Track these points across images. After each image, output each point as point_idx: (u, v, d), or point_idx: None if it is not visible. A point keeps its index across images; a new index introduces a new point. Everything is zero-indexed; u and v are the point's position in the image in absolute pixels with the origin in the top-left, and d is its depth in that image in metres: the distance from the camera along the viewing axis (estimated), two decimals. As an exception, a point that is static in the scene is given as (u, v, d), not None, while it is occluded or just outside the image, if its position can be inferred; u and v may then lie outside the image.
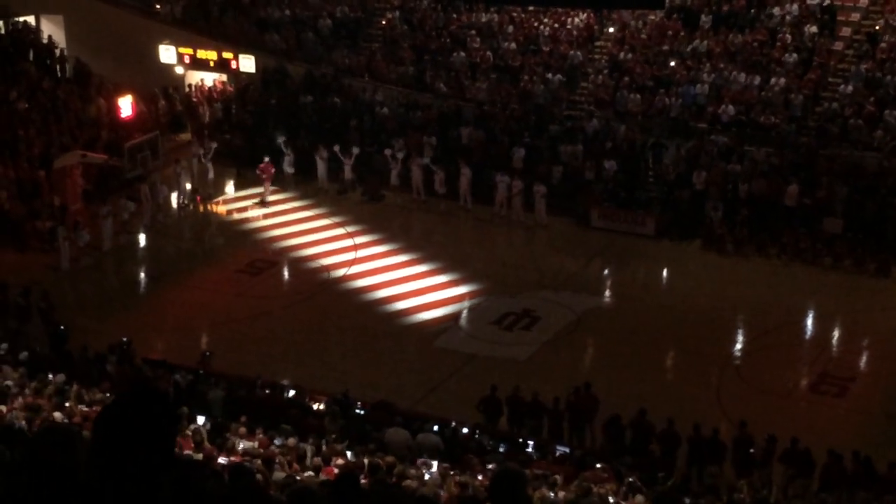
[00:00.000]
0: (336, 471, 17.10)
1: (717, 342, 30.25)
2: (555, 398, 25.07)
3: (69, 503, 4.22)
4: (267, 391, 24.88)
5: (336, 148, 40.05)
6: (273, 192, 39.80)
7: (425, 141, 40.41)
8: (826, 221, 35.08)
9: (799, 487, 23.13)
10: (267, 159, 39.57)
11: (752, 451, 23.51)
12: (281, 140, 40.87)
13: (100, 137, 40.47)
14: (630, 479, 20.22)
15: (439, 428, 23.00)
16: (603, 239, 36.61)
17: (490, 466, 19.88)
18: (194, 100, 45.53)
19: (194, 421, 20.26)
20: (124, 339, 26.88)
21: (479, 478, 18.84)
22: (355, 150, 40.04)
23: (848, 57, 40.32)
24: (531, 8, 44.36)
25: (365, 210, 39.17)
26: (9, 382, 20.62)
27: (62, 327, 28.39)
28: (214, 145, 41.19)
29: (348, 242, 36.55)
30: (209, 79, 46.34)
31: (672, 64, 40.94)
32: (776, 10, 41.65)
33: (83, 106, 42.44)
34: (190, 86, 46.01)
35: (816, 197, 35.72)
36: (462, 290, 33.08)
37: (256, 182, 40.89)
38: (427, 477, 18.33)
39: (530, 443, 23.55)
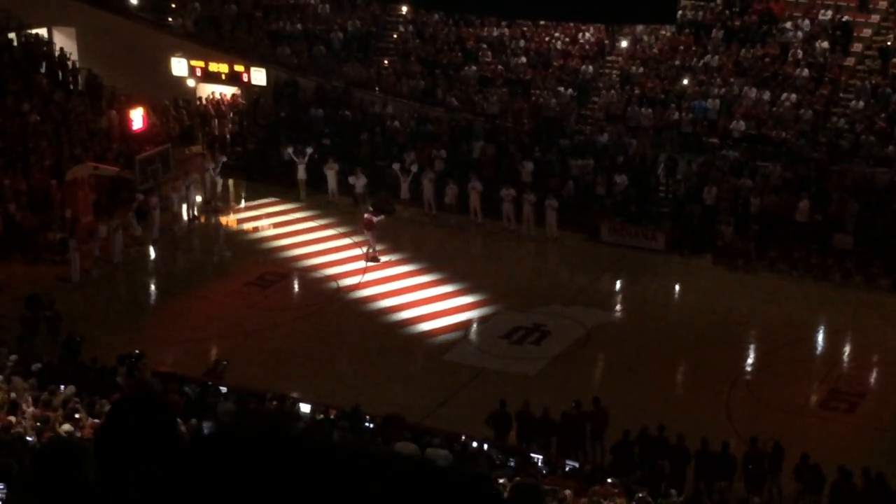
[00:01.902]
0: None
1: (728, 358, 30.17)
2: (563, 413, 25.05)
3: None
4: (275, 403, 24.87)
5: (352, 179, 39.84)
6: (375, 252, 36.18)
7: (435, 155, 40.45)
8: (837, 237, 35.00)
9: (809, 504, 23.10)
10: (371, 209, 36.92)
11: (751, 466, 23.45)
12: (290, 150, 40.91)
13: (111, 149, 40.54)
14: (640, 495, 20.17)
15: (448, 442, 22.95)
16: (613, 254, 36.56)
17: (501, 481, 19.83)
18: (204, 112, 45.62)
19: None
20: (136, 351, 26.86)
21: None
22: (361, 180, 39.86)
23: (859, 73, 40.28)
24: (542, 22, 44.43)
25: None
26: (13, 394, 20.62)
27: (79, 339, 28.35)
28: (224, 159, 41.29)
29: (357, 253, 36.53)
30: (226, 92, 46.32)
31: (685, 82, 40.86)
32: (788, 25, 41.64)
33: (95, 118, 42.55)
34: (200, 98, 46.10)
35: (827, 213, 35.66)
36: (471, 301, 33.05)
37: (267, 194, 41.03)
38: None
39: (539, 458, 23.50)
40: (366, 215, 36.31)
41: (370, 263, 35.63)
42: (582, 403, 25.28)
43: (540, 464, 23.09)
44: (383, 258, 36.08)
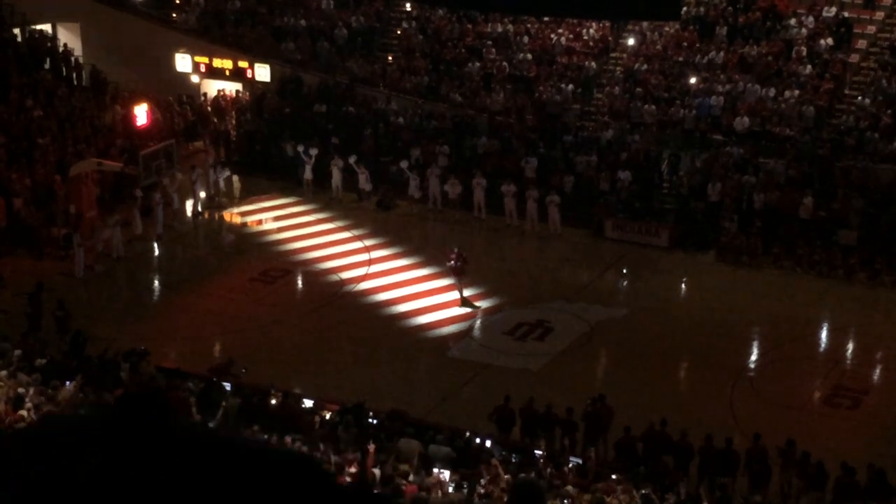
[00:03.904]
0: (349, 480, 17.10)
1: (731, 354, 30.17)
2: (567, 409, 25.01)
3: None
4: (278, 399, 24.84)
5: (352, 160, 40.13)
6: (465, 287, 33.02)
7: (439, 151, 40.48)
8: (841, 234, 35.00)
9: (812, 500, 23.08)
10: (456, 249, 33.13)
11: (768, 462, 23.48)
12: (301, 148, 40.95)
13: (115, 145, 40.57)
14: (644, 491, 20.18)
15: (451, 438, 22.95)
16: (617, 250, 36.56)
17: (505, 477, 19.85)
18: (208, 109, 45.65)
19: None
20: (142, 348, 26.84)
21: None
22: (363, 174, 40.01)
23: (864, 69, 40.26)
24: (546, 18, 44.42)
25: (378, 219, 39.18)
26: (21, 389, 20.65)
27: (85, 336, 28.27)
28: (223, 156, 41.58)
29: (362, 252, 36.56)
30: (231, 88, 46.32)
31: (693, 81, 40.82)
32: (792, 22, 41.63)
33: (99, 114, 42.58)
34: (205, 95, 46.13)
35: (831, 209, 35.66)
36: (475, 297, 33.01)
37: (271, 190, 41.10)
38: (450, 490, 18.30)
39: (543, 454, 23.48)
40: (452, 256, 33.05)
41: (462, 301, 32.67)
42: (598, 400, 25.23)
43: (543, 460, 23.05)
44: (380, 246, 36.15)
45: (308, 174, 40.68)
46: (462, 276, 32.76)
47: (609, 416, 25.05)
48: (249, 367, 27.90)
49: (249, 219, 39.94)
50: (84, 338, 28.04)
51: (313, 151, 40.78)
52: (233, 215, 40.14)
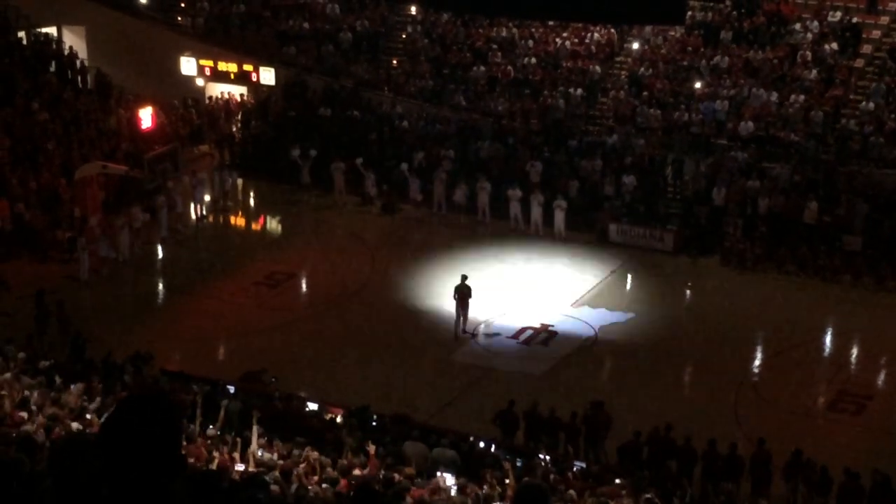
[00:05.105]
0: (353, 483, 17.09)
1: (735, 359, 30.14)
2: (572, 413, 25.01)
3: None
4: (282, 402, 24.83)
5: (359, 161, 40.12)
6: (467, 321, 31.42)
7: (444, 154, 40.47)
8: (845, 239, 34.97)
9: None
10: (465, 278, 31.49)
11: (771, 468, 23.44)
12: (296, 153, 40.96)
13: (120, 148, 40.61)
14: (648, 496, 20.14)
15: (456, 442, 22.92)
16: (621, 254, 36.54)
17: (507, 481, 19.83)
18: (213, 111, 45.70)
19: (207, 430, 20.24)
20: (146, 351, 26.81)
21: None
22: (370, 178, 39.95)
23: (868, 74, 40.22)
24: (551, 23, 44.42)
25: (382, 223, 39.20)
26: (26, 392, 20.64)
27: (84, 339, 28.27)
28: (227, 160, 41.59)
29: (366, 255, 36.57)
30: (235, 91, 46.36)
31: (698, 85, 40.80)
32: (797, 27, 41.60)
33: (104, 117, 42.62)
34: (210, 98, 46.18)
35: (836, 214, 35.63)
36: (479, 302, 32.97)
37: (275, 193, 41.09)
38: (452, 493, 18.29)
39: (546, 458, 23.45)
40: (458, 296, 31.32)
41: (461, 334, 31.24)
42: (596, 405, 25.20)
43: (547, 464, 23.01)
44: (384, 249, 36.11)
45: (306, 178, 40.68)
46: (464, 308, 31.29)
47: (607, 422, 25.04)
48: (253, 370, 27.95)
49: (252, 218, 39.99)
50: (83, 340, 28.07)
51: (312, 153, 40.83)
52: (237, 219, 40.18)
